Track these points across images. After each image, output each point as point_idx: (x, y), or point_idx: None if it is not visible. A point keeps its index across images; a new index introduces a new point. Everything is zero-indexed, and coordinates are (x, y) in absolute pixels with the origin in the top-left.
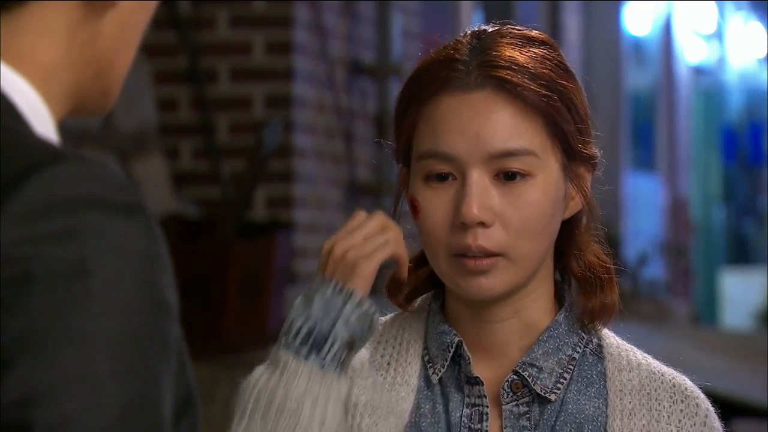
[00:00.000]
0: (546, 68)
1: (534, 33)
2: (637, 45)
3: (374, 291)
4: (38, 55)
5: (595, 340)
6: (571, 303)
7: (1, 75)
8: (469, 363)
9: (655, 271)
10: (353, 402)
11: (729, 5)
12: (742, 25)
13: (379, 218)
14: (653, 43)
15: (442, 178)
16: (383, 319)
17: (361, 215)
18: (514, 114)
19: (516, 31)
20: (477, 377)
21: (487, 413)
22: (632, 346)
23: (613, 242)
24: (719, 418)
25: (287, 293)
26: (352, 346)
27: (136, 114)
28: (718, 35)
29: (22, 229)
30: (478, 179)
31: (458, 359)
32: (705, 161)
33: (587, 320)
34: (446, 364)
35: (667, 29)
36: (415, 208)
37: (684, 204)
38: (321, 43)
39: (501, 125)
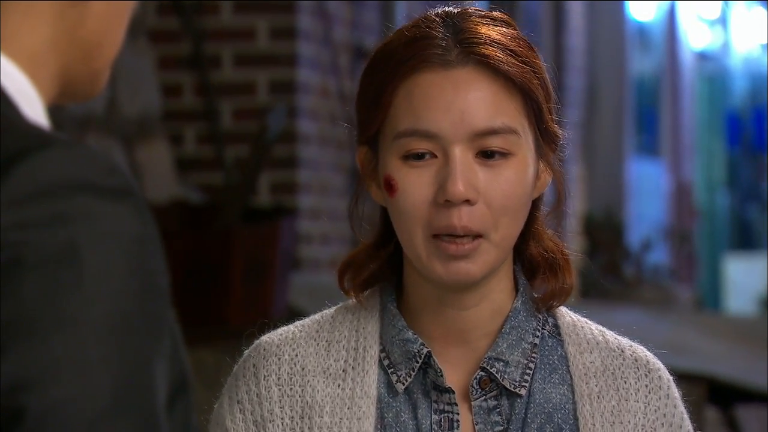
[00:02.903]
0: (520, 46)
1: (496, 13)
2: (642, 30)
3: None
4: (25, 37)
5: (550, 320)
6: (525, 286)
7: None
8: (441, 375)
9: (659, 256)
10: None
11: None
12: (746, 10)
13: None
14: (657, 29)
15: (419, 156)
16: (329, 313)
17: None
18: (497, 91)
19: (480, 11)
20: (449, 387)
21: (458, 420)
22: (586, 320)
23: (616, 228)
24: (722, 403)
25: (291, 279)
26: None
27: (140, 99)
28: (722, 21)
29: (11, 215)
30: (462, 157)
31: (425, 366)
32: (709, 146)
33: (543, 304)
34: (413, 374)
35: (671, 15)
36: (391, 187)
37: (688, 189)
38: (325, 28)
39: (485, 103)
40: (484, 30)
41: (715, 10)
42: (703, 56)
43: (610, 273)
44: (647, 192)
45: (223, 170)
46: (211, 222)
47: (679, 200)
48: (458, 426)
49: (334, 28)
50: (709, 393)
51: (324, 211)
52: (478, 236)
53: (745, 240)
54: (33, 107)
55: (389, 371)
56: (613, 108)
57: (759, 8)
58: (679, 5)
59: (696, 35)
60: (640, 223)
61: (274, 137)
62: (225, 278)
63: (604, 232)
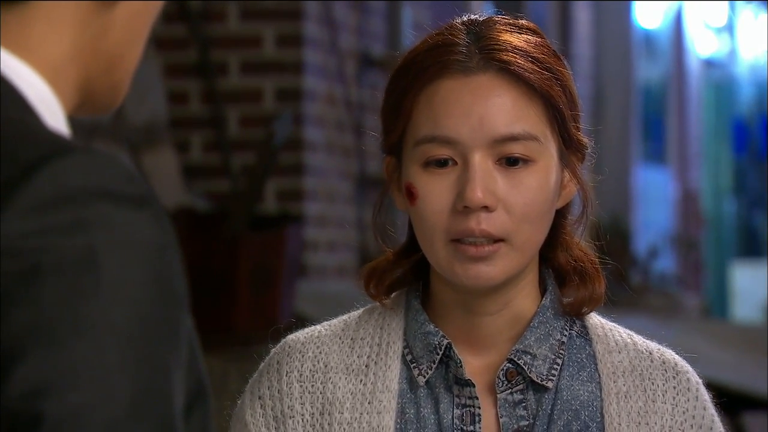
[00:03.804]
0: (543, 53)
1: (523, 21)
2: (648, 38)
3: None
4: (47, 48)
5: (578, 322)
6: (554, 287)
7: (10, 67)
8: (461, 366)
9: (666, 263)
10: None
11: None
12: (753, 17)
13: None
14: (664, 36)
15: (441, 163)
16: (356, 314)
17: None
18: (517, 97)
19: (507, 19)
20: (468, 380)
21: (479, 414)
22: (614, 324)
23: (623, 235)
24: (728, 410)
25: (297, 286)
26: None
27: (147, 107)
28: (729, 28)
29: (31, 221)
30: (482, 163)
31: (446, 360)
32: (716, 154)
33: (572, 311)
34: (434, 366)
35: (677, 22)
36: (412, 194)
37: (695, 197)
38: (331, 36)
39: (504, 109)
40: (506, 37)
41: (721, 17)
42: (709, 63)
43: (616, 280)
44: (654, 199)
45: (229, 177)
46: (218, 229)
47: (686, 207)
48: (480, 420)
49: (341, 36)
50: (715, 400)
51: (330, 219)
52: (498, 240)
53: (751, 247)
54: (55, 117)
55: (411, 366)
56: (620, 115)
57: (765, 15)
58: (685, 12)
59: (702, 42)
60: (647, 231)
61: (280, 144)
62: (231, 285)
63: (611, 239)
